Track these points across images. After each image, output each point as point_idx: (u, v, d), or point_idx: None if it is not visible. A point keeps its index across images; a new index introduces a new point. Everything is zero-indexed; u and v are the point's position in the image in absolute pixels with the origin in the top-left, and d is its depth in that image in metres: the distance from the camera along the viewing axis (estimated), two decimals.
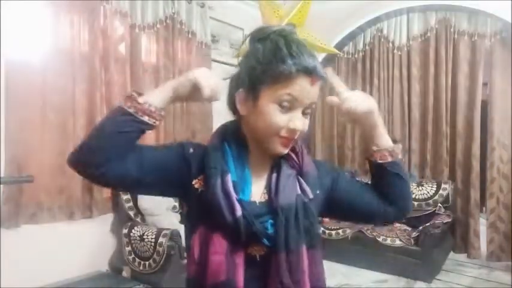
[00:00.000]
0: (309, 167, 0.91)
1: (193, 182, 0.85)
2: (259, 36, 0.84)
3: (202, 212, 0.84)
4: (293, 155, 0.90)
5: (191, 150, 0.88)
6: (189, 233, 0.89)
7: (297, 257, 0.84)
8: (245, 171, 0.86)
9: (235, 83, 0.87)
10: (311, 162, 0.93)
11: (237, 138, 0.88)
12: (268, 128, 0.81)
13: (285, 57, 0.78)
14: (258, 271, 0.84)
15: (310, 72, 0.79)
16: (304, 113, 0.83)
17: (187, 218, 0.94)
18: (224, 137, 0.88)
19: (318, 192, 0.89)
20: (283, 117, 0.80)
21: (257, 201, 0.86)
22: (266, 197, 0.87)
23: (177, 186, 0.87)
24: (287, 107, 0.80)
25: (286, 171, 0.88)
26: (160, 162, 0.85)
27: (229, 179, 0.82)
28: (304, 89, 0.80)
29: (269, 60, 0.80)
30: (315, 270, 0.88)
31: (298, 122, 0.81)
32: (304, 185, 0.88)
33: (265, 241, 0.82)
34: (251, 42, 0.86)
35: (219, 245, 0.81)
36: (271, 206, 0.85)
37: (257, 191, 0.87)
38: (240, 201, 0.81)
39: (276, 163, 0.89)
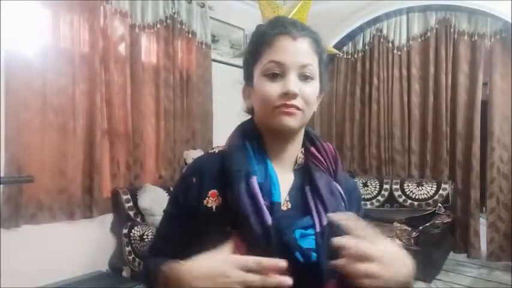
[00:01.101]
0: (342, 174, 0.81)
1: (204, 202, 0.76)
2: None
3: (221, 231, 0.72)
4: (317, 153, 0.81)
5: (194, 179, 0.79)
6: None
7: (340, 286, 0.71)
8: (269, 171, 0.77)
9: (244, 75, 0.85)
10: (343, 173, 0.83)
11: (255, 136, 0.80)
12: (264, 103, 0.75)
13: (264, 29, 0.77)
14: None
15: (288, 30, 0.74)
16: (303, 78, 0.75)
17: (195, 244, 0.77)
18: (244, 136, 0.80)
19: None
20: (275, 86, 0.74)
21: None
22: (289, 205, 0.77)
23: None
24: (277, 76, 0.74)
25: (319, 174, 0.78)
26: (187, 232, 0.79)
27: (255, 181, 0.73)
28: (286, 48, 0.74)
29: (252, 39, 0.79)
30: None
31: (290, 84, 0.72)
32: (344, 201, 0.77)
33: (298, 256, 0.70)
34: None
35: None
36: (297, 216, 0.74)
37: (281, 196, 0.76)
38: (270, 207, 0.72)
39: (298, 165, 0.81)
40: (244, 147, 0.78)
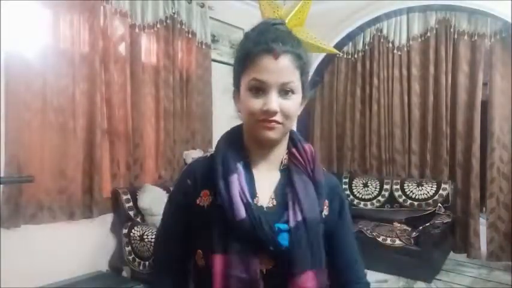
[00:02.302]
0: (320, 176, 0.89)
1: (197, 202, 0.85)
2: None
3: (212, 226, 0.82)
4: (297, 154, 0.89)
5: (188, 181, 0.88)
6: (191, 254, 0.88)
7: (319, 276, 0.84)
8: (249, 172, 0.85)
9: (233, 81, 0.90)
10: (321, 171, 0.91)
11: (239, 141, 0.89)
12: (248, 116, 0.82)
13: (249, 42, 0.82)
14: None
15: (271, 48, 0.79)
16: (283, 93, 0.81)
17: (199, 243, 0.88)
18: (230, 140, 0.89)
19: (326, 213, 0.89)
20: (257, 101, 0.80)
21: (264, 206, 0.84)
22: (274, 202, 0.85)
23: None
24: (260, 91, 0.80)
25: (299, 175, 0.87)
26: (184, 231, 0.89)
27: (233, 179, 0.81)
28: (268, 67, 0.79)
29: (240, 51, 0.84)
30: None
31: (271, 102, 0.79)
32: (320, 197, 0.87)
33: (272, 248, 0.80)
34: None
35: (219, 264, 0.80)
36: (281, 213, 0.83)
37: (264, 196, 0.85)
38: (246, 203, 0.80)
39: (283, 165, 0.89)
40: (227, 150, 0.86)
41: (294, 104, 0.82)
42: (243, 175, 0.83)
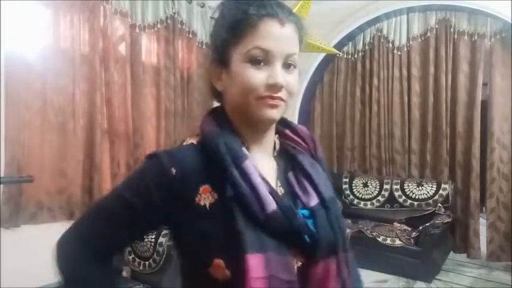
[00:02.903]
0: (322, 153, 0.81)
1: (196, 201, 0.68)
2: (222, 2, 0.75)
3: (216, 230, 0.66)
4: (293, 135, 0.80)
5: (173, 170, 0.68)
6: (197, 269, 0.69)
7: (349, 261, 0.73)
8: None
9: (210, 62, 0.76)
10: (321, 148, 0.83)
11: (229, 124, 0.74)
12: (245, 92, 0.69)
13: (246, 6, 0.69)
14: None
15: (276, 13, 0.69)
16: (286, 67, 0.71)
17: (189, 254, 0.73)
18: (218, 124, 0.74)
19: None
20: (260, 74, 0.68)
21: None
22: (282, 190, 0.75)
23: (159, 223, 0.76)
24: (261, 63, 0.69)
25: (303, 156, 0.78)
26: (138, 224, 0.73)
27: (249, 166, 0.68)
28: (273, 34, 0.68)
29: (231, 17, 0.71)
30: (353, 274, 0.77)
31: (277, 75, 0.68)
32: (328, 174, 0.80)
33: (306, 238, 0.69)
34: (217, 12, 0.77)
35: (257, 266, 0.63)
36: (294, 200, 0.73)
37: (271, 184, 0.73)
38: (272, 192, 0.68)
39: (276, 151, 0.79)
40: (223, 134, 0.71)
41: (296, 80, 0.72)
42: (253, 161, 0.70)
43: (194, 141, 0.75)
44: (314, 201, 0.73)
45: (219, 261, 0.65)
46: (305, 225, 0.69)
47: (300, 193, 0.74)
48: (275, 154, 0.79)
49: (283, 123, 0.81)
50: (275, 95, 0.69)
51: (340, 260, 0.71)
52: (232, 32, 0.70)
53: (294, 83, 0.71)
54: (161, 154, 0.71)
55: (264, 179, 0.69)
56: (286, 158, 0.79)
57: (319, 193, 0.74)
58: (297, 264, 0.69)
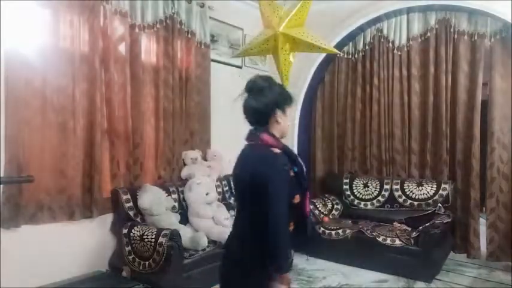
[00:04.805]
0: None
1: (290, 174, 1.52)
2: (270, 83, 1.58)
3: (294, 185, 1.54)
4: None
5: (285, 167, 1.50)
6: (287, 201, 1.48)
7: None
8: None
9: (268, 107, 1.54)
10: None
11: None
12: (286, 127, 1.63)
13: (289, 94, 1.63)
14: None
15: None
16: None
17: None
18: (276, 138, 1.57)
19: None
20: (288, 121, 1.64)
21: None
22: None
23: None
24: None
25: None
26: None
27: (299, 158, 1.60)
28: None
29: (285, 95, 1.60)
30: None
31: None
32: None
33: (305, 185, 1.59)
34: (267, 85, 1.55)
35: (308, 195, 1.62)
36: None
37: None
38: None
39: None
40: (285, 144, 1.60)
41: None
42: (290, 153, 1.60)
43: (277, 150, 1.52)
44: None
45: (297, 196, 1.53)
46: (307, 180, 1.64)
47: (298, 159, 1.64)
48: None
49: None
50: None
51: (308, 193, 1.61)
52: (286, 101, 1.60)
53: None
54: (279, 160, 1.51)
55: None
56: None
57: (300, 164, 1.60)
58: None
